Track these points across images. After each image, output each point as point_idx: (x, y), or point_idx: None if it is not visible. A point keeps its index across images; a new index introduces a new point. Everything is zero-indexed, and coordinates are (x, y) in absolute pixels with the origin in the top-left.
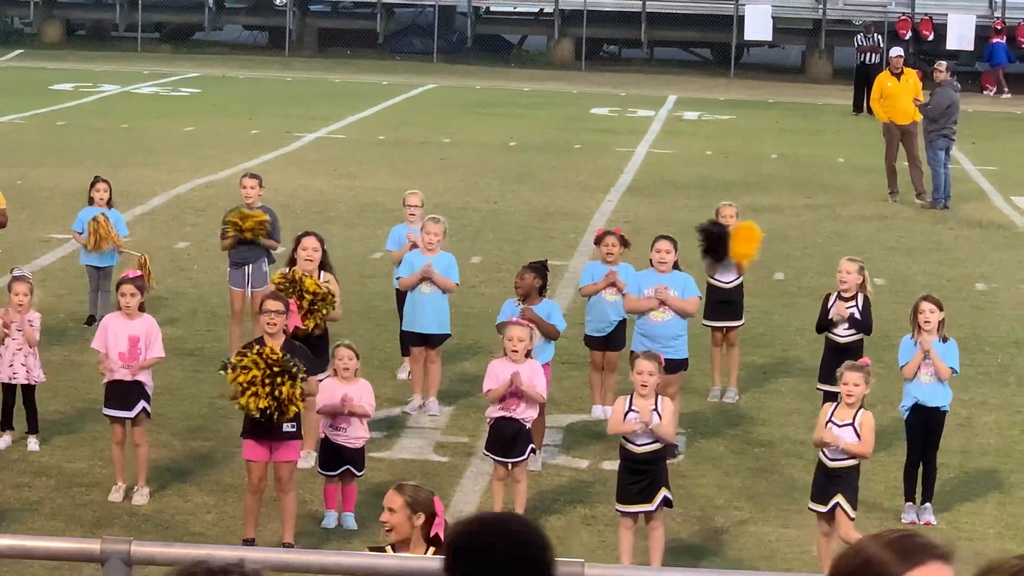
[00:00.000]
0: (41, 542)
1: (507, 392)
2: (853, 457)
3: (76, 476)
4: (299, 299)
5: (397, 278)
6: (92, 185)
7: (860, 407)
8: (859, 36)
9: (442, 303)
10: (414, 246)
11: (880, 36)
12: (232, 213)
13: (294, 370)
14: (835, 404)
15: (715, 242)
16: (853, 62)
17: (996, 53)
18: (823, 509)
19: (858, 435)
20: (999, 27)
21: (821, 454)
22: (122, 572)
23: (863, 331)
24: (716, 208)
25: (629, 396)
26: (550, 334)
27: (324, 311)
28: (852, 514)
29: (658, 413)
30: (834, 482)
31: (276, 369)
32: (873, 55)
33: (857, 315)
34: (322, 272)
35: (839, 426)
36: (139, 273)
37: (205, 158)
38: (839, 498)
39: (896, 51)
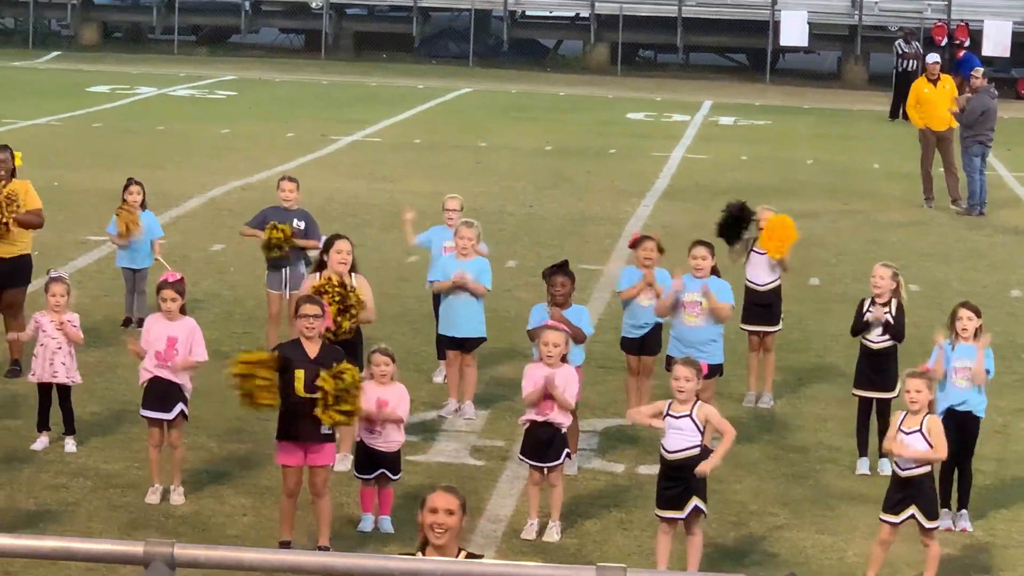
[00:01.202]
0: (85, 544)
1: (541, 396)
2: (927, 463)
3: (113, 477)
4: (333, 301)
5: (430, 281)
6: (125, 188)
7: (927, 413)
8: (899, 42)
9: (477, 307)
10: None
11: (919, 43)
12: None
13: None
14: (903, 413)
15: (732, 222)
16: (889, 68)
17: (971, 62)
18: (896, 521)
19: (928, 442)
20: (964, 40)
21: (893, 465)
22: (165, 575)
23: (895, 338)
24: (755, 211)
25: (670, 401)
26: (577, 337)
27: (356, 312)
28: (929, 524)
29: (697, 426)
30: (908, 493)
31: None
32: (913, 62)
33: (890, 320)
34: (353, 274)
35: (907, 434)
36: (179, 276)
37: (241, 161)
38: (913, 509)
39: (932, 57)
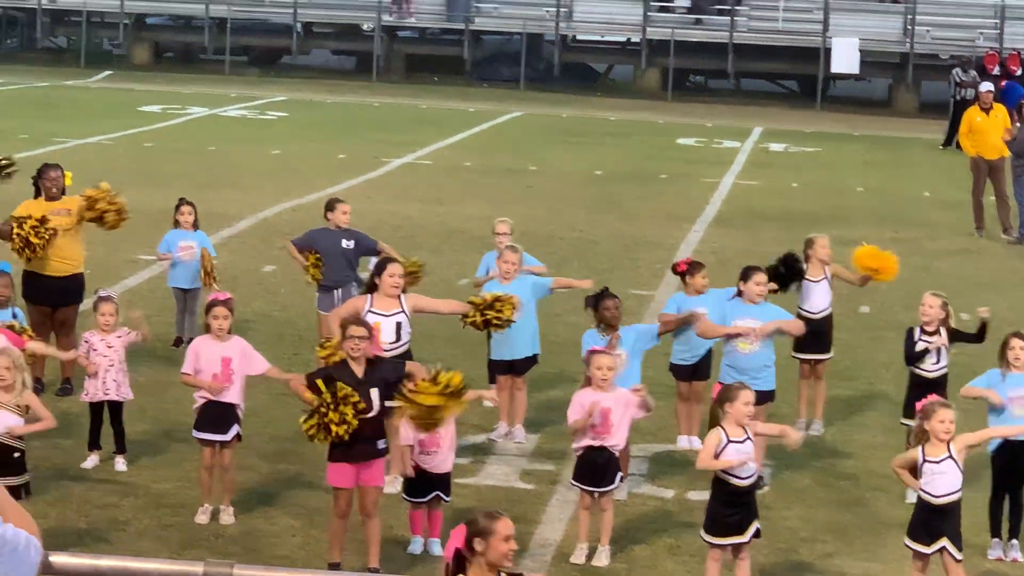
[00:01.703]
0: (143, 563)
1: (589, 424)
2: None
3: (162, 497)
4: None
5: None
6: (177, 208)
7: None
8: (956, 71)
9: (531, 327)
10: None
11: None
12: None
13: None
14: (921, 445)
15: (788, 270)
16: (939, 95)
17: (1015, 92)
18: (927, 551)
19: (959, 465)
20: (1015, 70)
21: (922, 491)
22: None
23: (979, 340)
24: (810, 238)
25: (722, 429)
26: (690, 320)
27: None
28: (959, 556)
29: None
30: (940, 521)
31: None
32: (971, 91)
33: (946, 349)
34: (402, 296)
35: (936, 463)
36: (228, 296)
37: (292, 182)
38: (944, 541)
39: (986, 86)
